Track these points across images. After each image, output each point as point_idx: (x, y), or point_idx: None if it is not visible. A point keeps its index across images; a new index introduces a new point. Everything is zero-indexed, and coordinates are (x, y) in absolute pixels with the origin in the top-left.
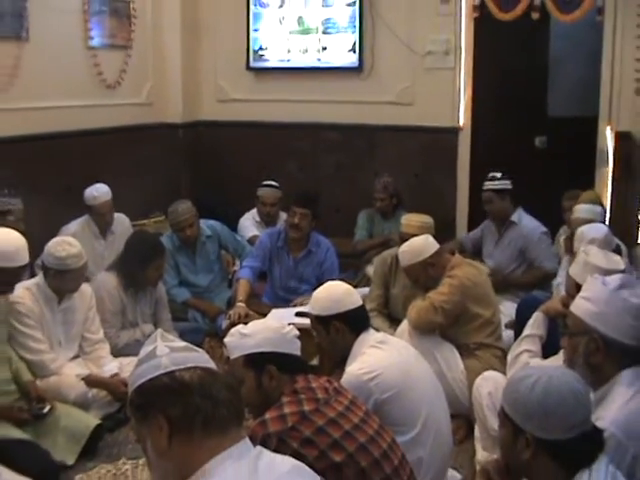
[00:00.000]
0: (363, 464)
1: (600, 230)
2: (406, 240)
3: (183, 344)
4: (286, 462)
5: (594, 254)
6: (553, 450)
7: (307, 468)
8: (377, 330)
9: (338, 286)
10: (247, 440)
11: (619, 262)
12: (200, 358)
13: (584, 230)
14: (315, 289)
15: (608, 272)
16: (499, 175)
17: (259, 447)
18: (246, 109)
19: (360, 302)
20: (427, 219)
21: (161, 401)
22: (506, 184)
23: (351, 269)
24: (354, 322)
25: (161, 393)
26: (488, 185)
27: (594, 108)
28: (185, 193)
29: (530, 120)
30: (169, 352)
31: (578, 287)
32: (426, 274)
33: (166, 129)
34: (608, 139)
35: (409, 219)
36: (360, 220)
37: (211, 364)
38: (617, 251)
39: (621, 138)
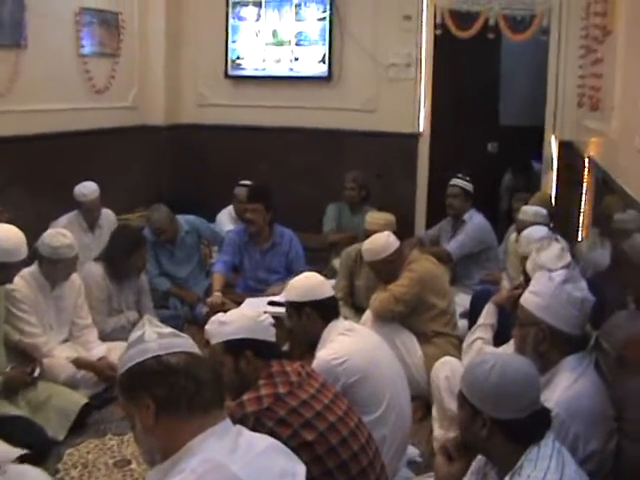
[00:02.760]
0: (333, 442)
1: (540, 231)
2: (370, 236)
3: (170, 330)
4: (264, 440)
5: (543, 255)
6: (507, 429)
7: (283, 446)
8: (345, 318)
9: (314, 276)
10: (228, 420)
11: (563, 259)
12: (186, 343)
13: (529, 233)
14: (284, 279)
15: (554, 270)
16: (467, 177)
17: (239, 426)
18: (224, 113)
19: (332, 293)
20: (389, 217)
21: (149, 382)
22: (470, 187)
23: (320, 262)
24: (325, 310)
25: (149, 375)
26: (457, 182)
27: (541, 119)
28: (166, 190)
29: (483, 128)
30: (157, 337)
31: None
32: (387, 269)
33: (150, 131)
34: (553, 147)
35: (373, 217)
36: (329, 212)
37: (196, 349)
38: None
39: (564, 146)
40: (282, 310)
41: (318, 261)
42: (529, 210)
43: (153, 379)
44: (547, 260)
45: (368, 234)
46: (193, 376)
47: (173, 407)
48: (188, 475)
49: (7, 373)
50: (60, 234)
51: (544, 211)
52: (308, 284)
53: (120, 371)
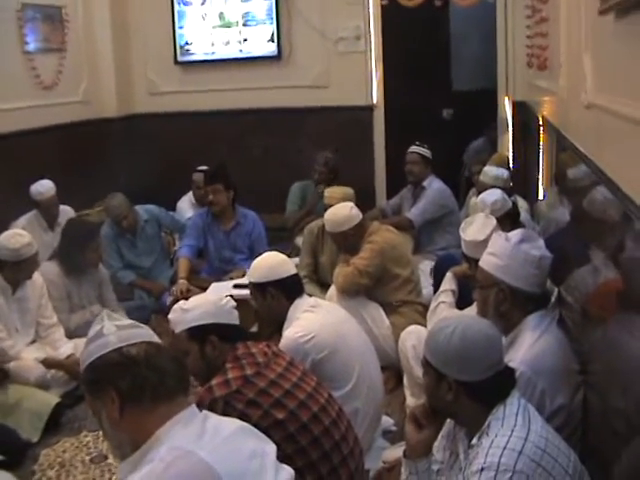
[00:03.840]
0: (304, 419)
1: (494, 195)
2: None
3: (129, 322)
4: (231, 423)
5: (469, 230)
6: (472, 390)
7: (252, 427)
8: (310, 296)
9: (275, 256)
10: (194, 406)
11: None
12: (145, 334)
13: (482, 198)
14: (248, 259)
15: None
16: (425, 145)
17: (205, 411)
18: (176, 100)
19: (294, 271)
20: (348, 190)
21: (111, 375)
22: (429, 153)
23: (283, 241)
24: (288, 289)
25: (111, 368)
26: (415, 149)
27: (493, 81)
28: (124, 182)
29: (437, 94)
30: (116, 330)
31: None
32: (348, 241)
33: (103, 124)
34: (507, 108)
35: (331, 191)
36: (291, 193)
37: (155, 338)
38: (514, 211)
39: (518, 107)
40: (248, 292)
41: (282, 240)
42: (489, 172)
43: (115, 372)
44: (472, 234)
45: (326, 209)
46: (155, 365)
47: (137, 398)
48: (157, 464)
49: None
50: (17, 234)
51: (505, 173)
52: (269, 264)
53: (82, 367)
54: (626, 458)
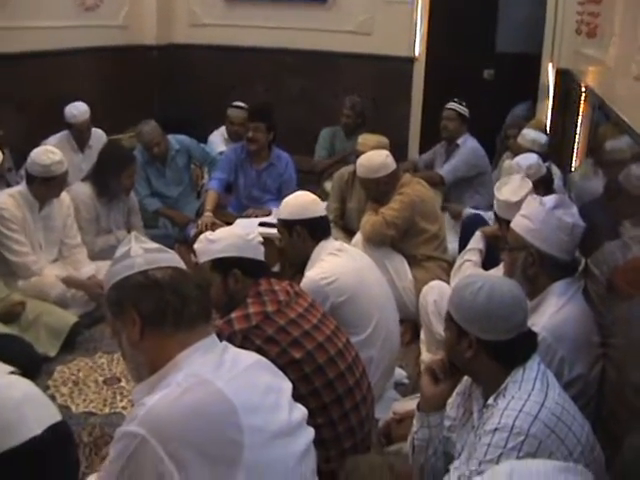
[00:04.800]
0: (320, 361)
1: (530, 159)
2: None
3: (156, 246)
4: (249, 356)
5: (504, 189)
6: (493, 350)
7: (269, 363)
8: (336, 239)
9: (306, 195)
10: (214, 336)
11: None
12: (172, 259)
13: (517, 161)
14: (276, 200)
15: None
16: (463, 102)
17: (225, 342)
18: (217, 33)
19: (324, 212)
20: (383, 139)
21: (135, 297)
22: (466, 111)
23: (311, 184)
24: (315, 229)
25: (135, 290)
26: (453, 105)
27: (538, 46)
28: (158, 110)
29: (480, 54)
30: (143, 253)
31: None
32: (379, 189)
33: (141, 50)
34: (550, 75)
35: (365, 138)
36: (321, 138)
37: (182, 264)
38: (548, 177)
39: (561, 74)
40: (273, 231)
41: (310, 183)
42: (528, 135)
43: (139, 293)
44: (507, 194)
45: (359, 155)
46: (179, 291)
47: (159, 322)
48: (174, 389)
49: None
50: (49, 151)
51: (544, 138)
52: (300, 202)
53: (106, 286)
54: (628, 448)
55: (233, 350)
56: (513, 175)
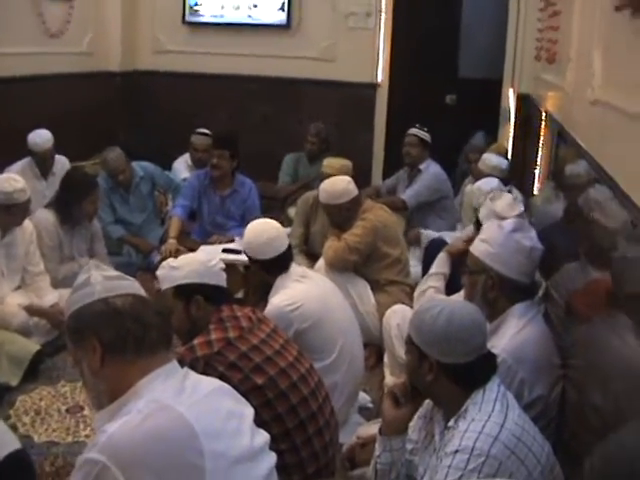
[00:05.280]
0: (282, 386)
1: (491, 183)
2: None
3: (116, 273)
4: (211, 382)
5: (498, 203)
6: (453, 372)
7: (230, 388)
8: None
9: (268, 230)
10: (175, 362)
11: (515, 209)
12: (132, 286)
13: (479, 185)
14: (240, 226)
15: (507, 218)
16: (425, 128)
17: (186, 368)
18: (181, 60)
19: (287, 244)
20: (347, 162)
21: (95, 325)
22: (428, 137)
23: (275, 210)
24: (281, 264)
25: (95, 317)
26: (414, 131)
27: (499, 71)
28: (122, 137)
29: (442, 79)
30: (102, 280)
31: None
32: (341, 215)
33: (105, 77)
34: (510, 100)
35: (330, 162)
36: (285, 164)
37: (142, 292)
38: None
39: (522, 99)
40: (237, 257)
41: (274, 209)
42: (489, 160)
43: (99, 321)
44: (501, 208)
45: (323, 178)
46: (139, 318)
47: (120, 349)
48: (135, 415)
49: None
50: (11, 179)
51: (505, 163)
52: (264, 240)
53: (66, 314)
54: (596, 456)
55: (194, 376)
56: (505, 194)
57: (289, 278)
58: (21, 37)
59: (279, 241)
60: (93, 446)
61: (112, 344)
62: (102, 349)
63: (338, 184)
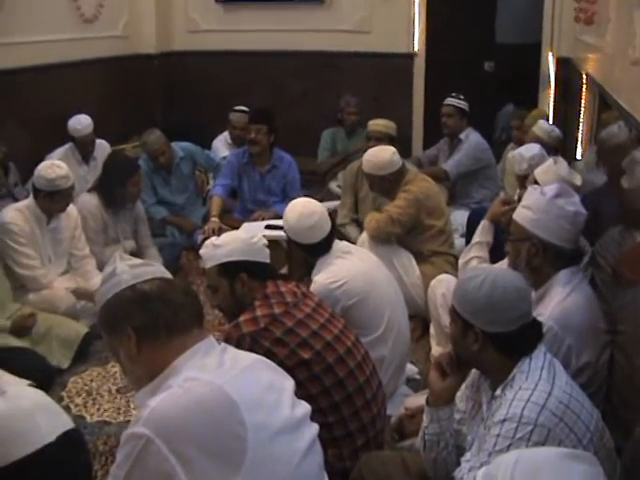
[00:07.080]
0: (329, 360)
1: (533, 149)
2: (373, 139)
3: (140, 260)
4: (249, 356)
5: (559, 165)
6: (498, 341)
7: (269, 361)
8: (348, 238)
9: (312, 216)
10: (211, 338)
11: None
12: (157, 270)
13: (520, 152)
14: (281, 202)
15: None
16: (460, 96)
17: (223, 344)
18: (216, 39)
19: (329, 227)
20: (391, 123)
21: (126, 313)
22: (465, 105)
23: (315, 186)
24: (324, 247)
25: (125, 305)
26: (451, 101)
27: (538, 36)
28: (160, 119)
29: (479, 46)
30: (128, 269)
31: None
32: (384, 186)
33: (142, 60)
34: (550, 64)
35: (376, 121)
36: (323, 140)
37: (167, 274)
38: None
39: (561, 63)
40: (280, 233)
41: (314, 185)
42: (543, 125)
43: (130, 308)
44: (566, 172)
45: (371, 136)
46: (168, 300)
47: (153, 333)
48: (176, 390)
49: (13, 321)
50: (55, 165)
51: (557, 131)
52: (307, 225)
53: (98, 308)
54: None
55: (232, 351)
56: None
57: (332, 255)
58: (56, 24)
59: (321, 227)
60: (137, 421)
61: (145, 329)
62: (136, 335)
63: (382, 155)
